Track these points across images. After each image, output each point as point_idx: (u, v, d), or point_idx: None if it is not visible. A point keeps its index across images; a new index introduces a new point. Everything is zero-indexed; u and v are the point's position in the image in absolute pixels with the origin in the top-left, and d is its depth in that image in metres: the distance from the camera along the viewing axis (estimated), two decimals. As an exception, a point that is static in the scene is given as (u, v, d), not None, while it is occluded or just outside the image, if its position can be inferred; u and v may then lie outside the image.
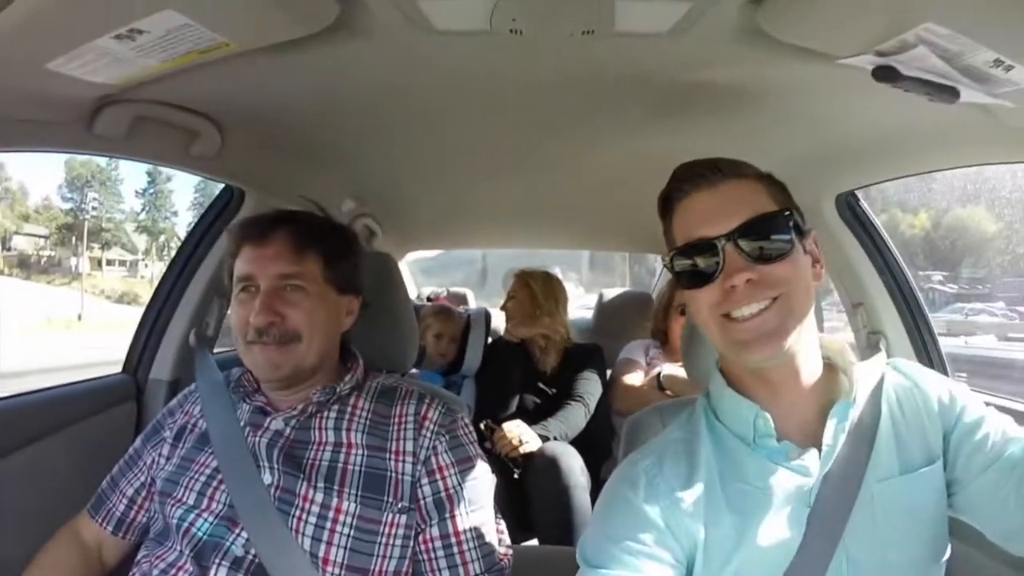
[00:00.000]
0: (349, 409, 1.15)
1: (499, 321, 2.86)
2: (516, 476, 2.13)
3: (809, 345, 0.87)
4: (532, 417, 2.34)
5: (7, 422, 1.34)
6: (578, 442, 2.22)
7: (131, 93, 1.11)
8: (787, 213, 0.86)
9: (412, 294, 3.58)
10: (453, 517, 1.08)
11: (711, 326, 0.87)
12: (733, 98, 1.26)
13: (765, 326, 0.82)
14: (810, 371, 0.88)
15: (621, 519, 0.85)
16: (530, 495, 2.07)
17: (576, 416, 2.32)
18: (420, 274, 4.73)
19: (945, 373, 1.63)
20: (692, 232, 0.87)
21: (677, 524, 0.83)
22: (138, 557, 1.10)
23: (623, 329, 3.05)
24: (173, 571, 1.02)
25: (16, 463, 1.32)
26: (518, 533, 2.01)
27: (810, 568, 0.80)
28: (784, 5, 0.87)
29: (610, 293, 3.49)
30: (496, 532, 1.15)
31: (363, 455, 1.09)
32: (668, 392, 2.11)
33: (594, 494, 2.04)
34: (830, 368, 0.91)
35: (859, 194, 1.71)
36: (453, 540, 1.08)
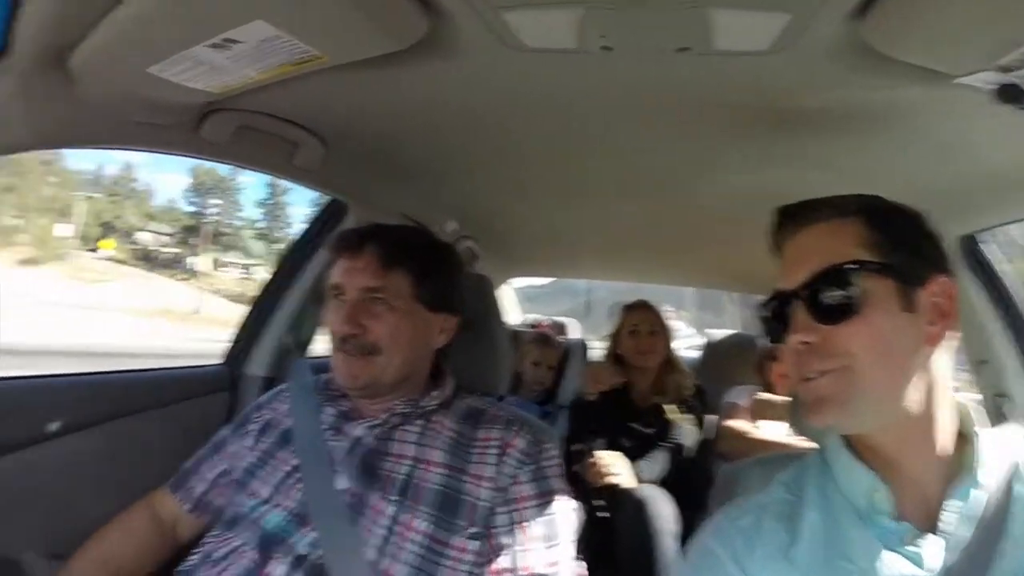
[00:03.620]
0: (434, 426, 1.13)
1: (594, 352, 2.79)
2: (602, 515, 2.03)
3: (924, 414, 0.73)
4: (625, 454, 2.22)
5: (106, 393, 1.44)
6: (672, 487, 2.08)
7: (235, 102, 1.15)
8: (854, 265, 0.73)
9: (515, 320, 3.58)
10: (526, 551, 1.03)
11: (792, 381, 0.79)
12: (842, 125, 1.17)
13: (819, 390, 0.73)
14: (934, 443, 0.74)
15: None
16: (617, 537, 1.97)
17: (665, 463, 2.20)
18: (525, 301, 4.73)
19: None
20: (778, 281, 0.79)
21: None
22: (206, 537, 1.12)
23: (729, 372, 2.88)
24: (235, 556, 1.03)
25: (109, 432, 1.41)
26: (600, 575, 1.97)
27: None
28: (889, 16, 0.79)
29: (718, 334, 3.33)
30: (573, 573, 1.07)
31: (442, 474, 1.06)
32: (759, 424, 2.02)
33: (684, 543, 1.93)
34: (963, 438, 0.77)
35: (983, 237, 1.54)
36: (522, 575, 1.02)
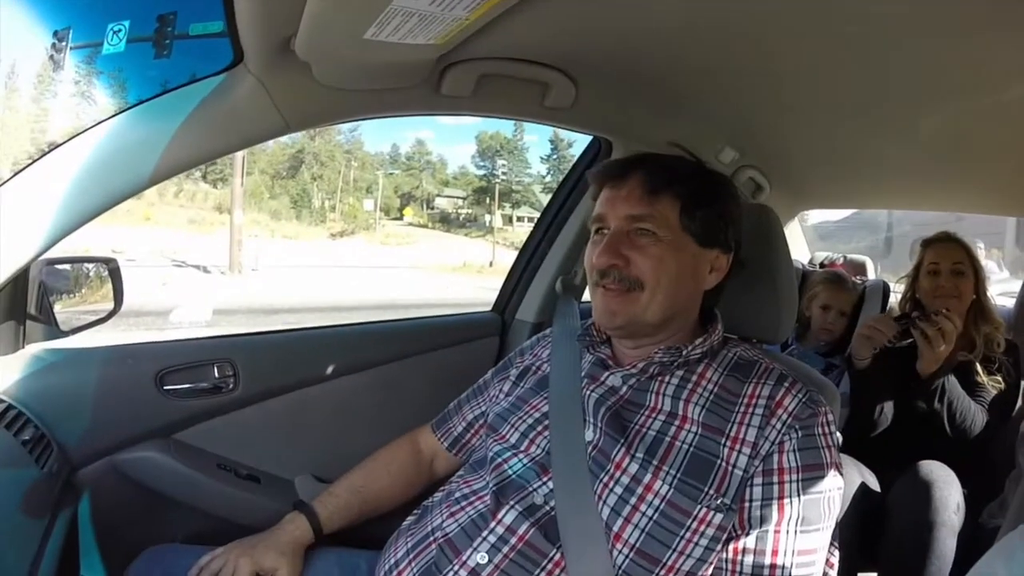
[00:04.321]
0: (695, 378, 1.03)
1: (897, 297, 2.33)
2: (872, 489, 1.73)
3: None
4: (913, 423, 1.85)
5: (381, 340, 1.60)
6: (961, 469, 1.69)
7: (469, 52, 1.13)
8: None
9: (804, 258, 3.20)
10: (777, 533, 0.91)
11: None
12: None
13: None
14: None
15: None
16: (886, 517, 1.67)
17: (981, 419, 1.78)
18: (818, 239, 4.20)
19: None
20: None
21: None
22: (452, 477, 1.15)
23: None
24: (473, 498, 1.03)
25: (382, 375, 1.56)
26: (859, 558, 1.70)
27: None
28: None
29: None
30: (825, 564, 0.96)
31: (696, 433, 0.97)
32: None
33: (964, 539, 1.59)
34: None
35: None
36: (767, 560, 0.91)
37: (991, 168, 2.11)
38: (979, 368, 1.88)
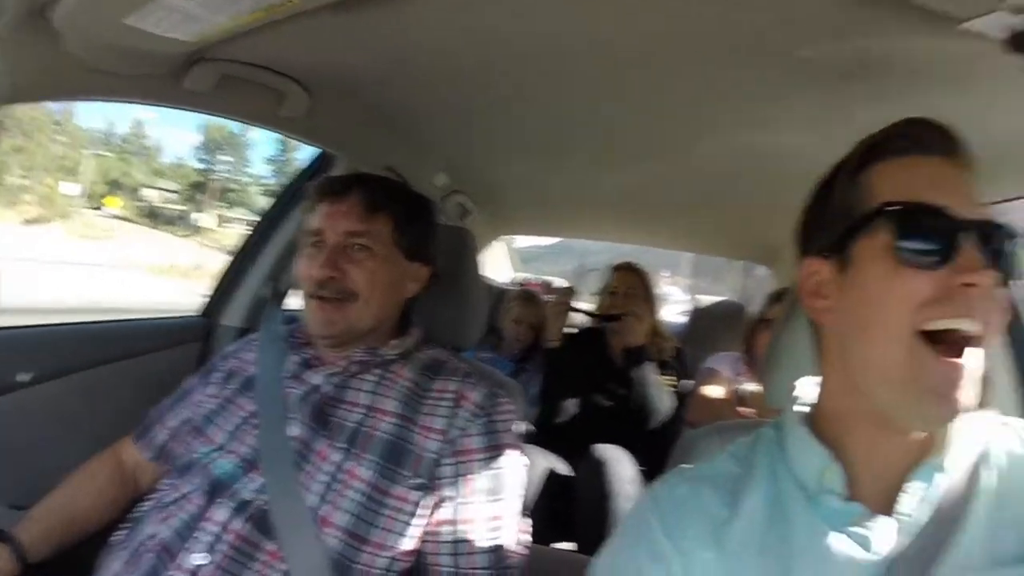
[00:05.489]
0: (391, 376, 1.13)
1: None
2: (564, 474, 2.07)
3: None
4: (598, 418, 2.26)
5: (78, 344, 1.45)
6: (638, 451, 2.09)
7: (217, 51, 1.15)
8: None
9: (505, 278, 3.56)
10: (469, 503, 1.03)
11: (893, 339, 0.63)
12: (851, 79, 1.10)
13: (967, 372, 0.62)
14: None
15: (637, 546, 0.72)
16: (574, 495, 2.00)
17: (665, 402, 2.24)
18: (526, 261, 4.68)
19: None
20: (922, 198, 0.64)
21: (697, 570, 0.69)
22: (160, 484, 1.12)
23: (715, 339, 2.87)
24: (183, 501, 1.02)
25: (80, 383, 1.43)
26: (558, 535, 1.98)
27: None
28: None
29: (707, 300, 3.32)
30: (516, 530, 1.08)
31: (391, 423, 1.06)
32: (745, 410, 1.96)
33: None
34: None
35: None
36: (463, 527, 1.02)
37: (674, 212, 2.57)
38: (656, 369, 2.31)
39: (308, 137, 1.66)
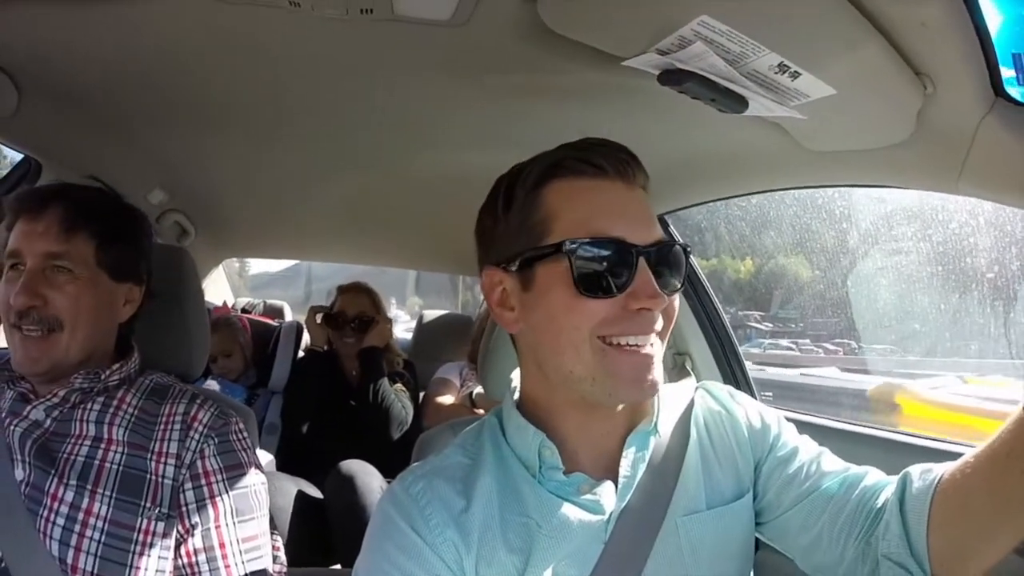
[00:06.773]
0: (115, 403, 1.06)
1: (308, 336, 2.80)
2: (314, 496, 2.07)
3: None
4: (340, 433, 2.32)
5: None
6: (382, 461, 2.16)
7: None
8: (688, 248, 0.76)
9: (225, 302, 3.36)
10: (218, 527, 1.00)
11: (580, 348, 0.71)
12: (535, 104, 1.20)
13: (654, 354, 0.73)
14: None
15: (387, 542, 0.74)
16: (329, 516, 2.01)
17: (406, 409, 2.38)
18: (250, 289, 4.42)
19: (752, 394, 1.61)
20: (600, 227, 0.71)
21: (450, 560, 0.72)
22: None
23: (441, 351, 3.05)
24: None
25: None
26: (321, 557, 1.98)
27: None
28: None
29: (431, 315, 3.50)
30: (270, 549, 1.08)
31: (123, 453, 1.00)
32: (480, 411, 2.13)
33: None
34: None
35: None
36: (217, 553, 0.99)
37: (394, 229, 2.63)
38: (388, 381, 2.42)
39: (14, 140, 1.48)
